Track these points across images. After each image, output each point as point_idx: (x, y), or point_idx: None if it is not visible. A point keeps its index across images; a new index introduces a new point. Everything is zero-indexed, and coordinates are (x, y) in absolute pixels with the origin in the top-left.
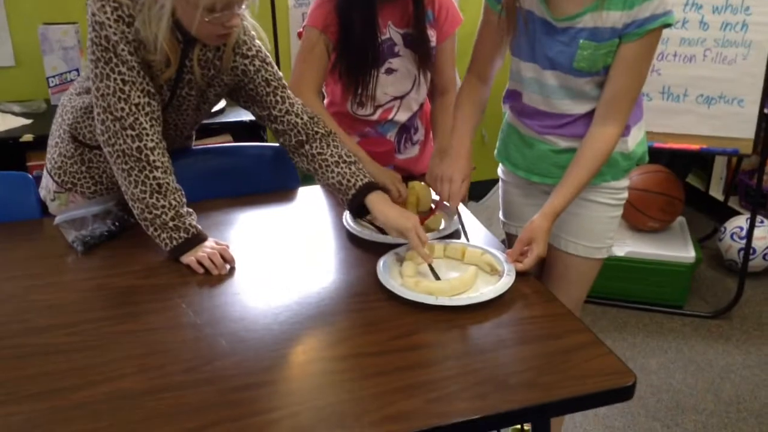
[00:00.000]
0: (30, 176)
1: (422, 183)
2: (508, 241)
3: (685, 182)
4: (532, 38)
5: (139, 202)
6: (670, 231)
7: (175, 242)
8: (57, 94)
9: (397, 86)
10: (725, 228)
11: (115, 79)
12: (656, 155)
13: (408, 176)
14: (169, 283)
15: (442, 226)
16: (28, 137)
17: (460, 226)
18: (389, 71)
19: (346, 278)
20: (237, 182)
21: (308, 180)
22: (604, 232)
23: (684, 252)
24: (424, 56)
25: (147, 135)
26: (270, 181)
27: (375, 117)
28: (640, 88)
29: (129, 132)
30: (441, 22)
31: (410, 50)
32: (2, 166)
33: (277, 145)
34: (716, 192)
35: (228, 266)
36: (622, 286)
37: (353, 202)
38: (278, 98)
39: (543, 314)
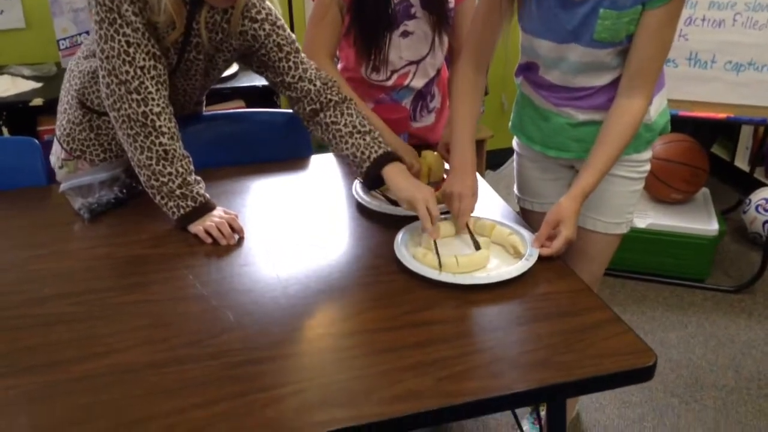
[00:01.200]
0: (36, 141)
1: (434, 153)
2: (523, 215)
3: (710, 152)
4: (547, 13)
5: (146, 169)
6: (693, 202)
7: (182, 211)
8: (67, 57)
9: (413, 50)
10: (750, 200)
11: (119, 41)
12: (681, 124)
13: (422, 144)
14: (177, 252)
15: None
16: (38, 101)
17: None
18: (405, 34)
19: (357, 250)
20: (248, 149)
21: (322, 148)
22: (624, 207)
23: (707, 224)
24: (441, 18)
25: (153, 99)
26: (282, 149)
27: (390, 83)
28: (665, 56)
29: (134, 96)
30: None
31: (427, 12)
32: (13, 131)
33: (290, 111)
34: (741, 162)
35: (236, 236)
36: (643, 259)
37: (368, 174)
38: (291, 64)
39: (560, 290)
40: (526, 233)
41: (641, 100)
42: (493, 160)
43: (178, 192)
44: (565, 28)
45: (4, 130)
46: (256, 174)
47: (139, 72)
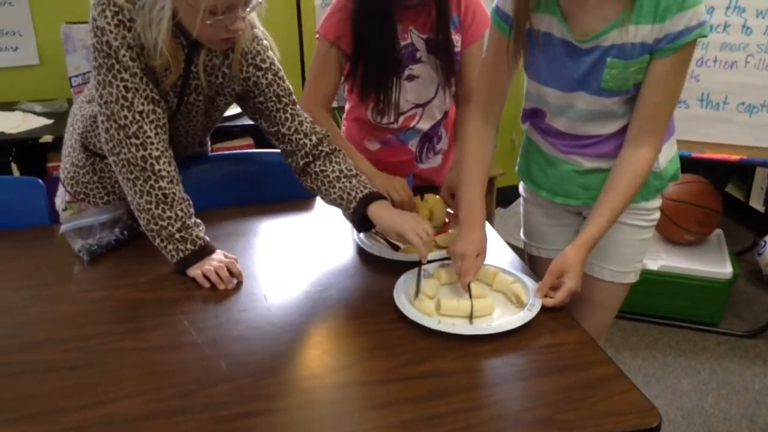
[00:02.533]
0: (41, 182)
1: (437, 197)
2: (529, 262)
3: (724, 192)
4: (554, 62)
5: (145, 213)
6: (706, 244)
7: (181, 254)
8: (78, 93)
9: (418, 93)
10: (765, 241)
11: (117, 86)
12: (693, 164)
13: (428, 187)
14: (174, 297)
15: None
16: (47, 138)
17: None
18: (410, 78)
19: (357, 297)
20: (253, 190)
21: None
22: (633, 256)
23: (720, 267)
24: (447, 63)
25: (152, 144)
26: (286, 190)
27: (397, 125)
28: (674, 105)
29: (133, 140)
30: (467, 26)
31: (433, 56)
32: (22, 167)
33: None
34: (757, 203)
35: (235, 281)
36: (655, 302)
37: (355, 214)
38: (288, 115)
39: (564, 342)
40: (530, 282)
41: (649, 150)
42: (503, 197)
43: (177, 236)
44: (572, 76)
45: (14, 166)
46: (260, 215)
47: (137, 117)
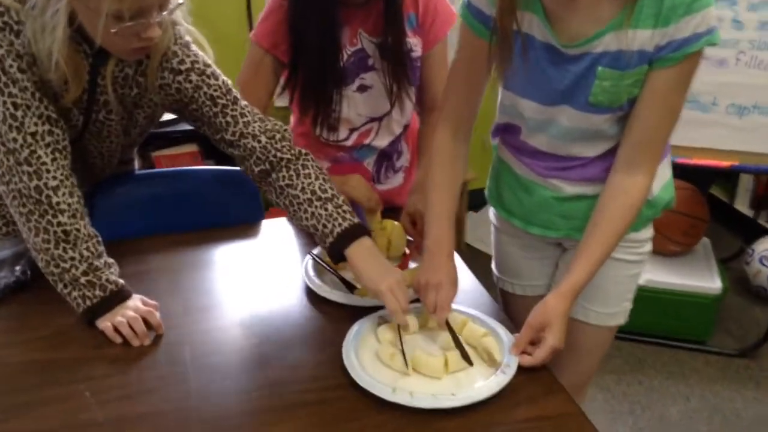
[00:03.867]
0: None
1: (396, 223)
2: (503, 299)
3: (708, 193)
4: (534, 69)
5: (44, 253)
6: (692, 254)
7: (88, 302)
8: None
9: (372, 106)
10: (753, 250)
11: (4, 102)
12: (675, 166)
13: (387, 209)
14: (79, 357)
15: None
16: None
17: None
18: (362, 88)
19: (301, 354)
20: (189, 213)
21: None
22: (621, 294)
23: (709, 281)
24: (401, 70)
25: (47, 171)
26: (229, 213)
27: (350, 142)
28: (673, 125)
29: (25, 168)
30: (427, 26)
31: (387, 63)
32: None
33: (237, 168)
34: (742, 205)
35: (153, 334)
36: (640, 319)
37: (332, 251)
38: (229, 119)
39: (545, 414)
40: (504, 334)
41: (644, 177)
42: (474, 200)
43: (83, 280)
44: (554, 87)
45: None
46: (194, 245)
47: (29, 139)
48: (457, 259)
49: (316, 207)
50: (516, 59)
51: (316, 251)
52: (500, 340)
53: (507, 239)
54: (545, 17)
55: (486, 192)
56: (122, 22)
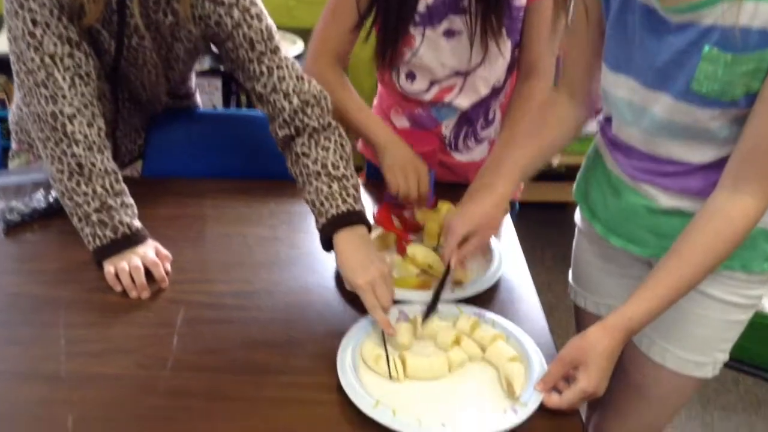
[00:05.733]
0: None
1: (453, 205)
2: (577, 318)
3: None
4: (630, 38)
5: (59, 183)
6: None
7: (98, 242)
8: None
9: (458, 57)
10: None
11: (24, 18)
12: None
13: (458, 185)
14: (71, 299)
15: (471, 278)
16: None
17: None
18: (449, 33)
19: (306, 344)
20: (245, 159)
21: None
22: (711, 341)
23: None
24: (497, 16)
25: (64, 97)
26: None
27: (429, 96)
28: None
29: (42, 90)
30: None
31: (482, 4)
32: None
33: None
34: None
35: (148, 292)
36: (765, 351)
37: (321, 234)
38: (264, 68)
39: None
40: (540, 363)
41: (753, 200)
42: None
43: (94, 217)
44: (651, 64)
45: None
46: (243, 195)
47: (47, 60)
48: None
49: (321, 182)
50: (612, 24)
51: None
52: (530, 366)
53: (587, 245)
54: None
55: (574, 186)
56: None
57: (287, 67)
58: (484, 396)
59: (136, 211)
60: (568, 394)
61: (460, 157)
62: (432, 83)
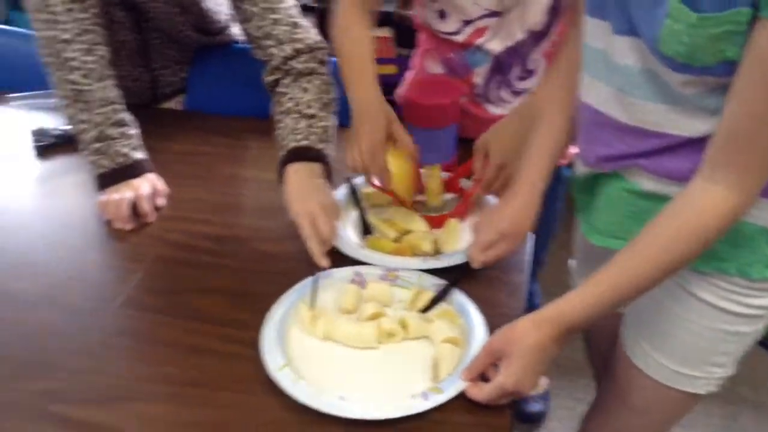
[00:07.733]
0: None
1: (438, 170)
2: None
3: None
4: None
5: (63, 109)
6: None
7: (99, 170)
8: None
9: None
10: None
11: None
12: None
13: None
14: (70, 223)
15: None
16: None
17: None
18: None
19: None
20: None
21: None
22: (705, 354)
23: None
24: None
25: (59, 23)
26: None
27: (461, 37)
28: None
29: (41, 15)
30: None
31: None
32: None
33: None
34: None
35: (131, 225)
36: None
37: (279, 165)
38: (257, 9)
39: None
40: (482, 335)
41: (728, 192)
42: None
43: (94, 146)
44: (625, 4)
45: None
46: (267, 136)
47: None
48: None
49: (291, 119)
50: None
51: (359, 179)
52: (468, 355)
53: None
54: None
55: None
56: None
57: (282, 10)
58: (407, 375)
59: (138, 142)
60: (486, 388)
61: (494, 110)
62: (464, 23)
